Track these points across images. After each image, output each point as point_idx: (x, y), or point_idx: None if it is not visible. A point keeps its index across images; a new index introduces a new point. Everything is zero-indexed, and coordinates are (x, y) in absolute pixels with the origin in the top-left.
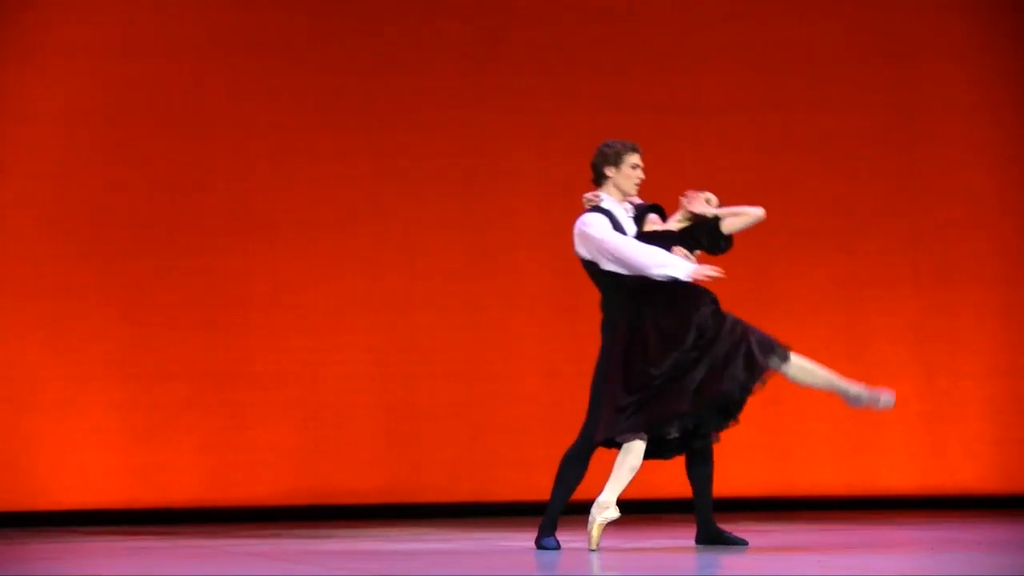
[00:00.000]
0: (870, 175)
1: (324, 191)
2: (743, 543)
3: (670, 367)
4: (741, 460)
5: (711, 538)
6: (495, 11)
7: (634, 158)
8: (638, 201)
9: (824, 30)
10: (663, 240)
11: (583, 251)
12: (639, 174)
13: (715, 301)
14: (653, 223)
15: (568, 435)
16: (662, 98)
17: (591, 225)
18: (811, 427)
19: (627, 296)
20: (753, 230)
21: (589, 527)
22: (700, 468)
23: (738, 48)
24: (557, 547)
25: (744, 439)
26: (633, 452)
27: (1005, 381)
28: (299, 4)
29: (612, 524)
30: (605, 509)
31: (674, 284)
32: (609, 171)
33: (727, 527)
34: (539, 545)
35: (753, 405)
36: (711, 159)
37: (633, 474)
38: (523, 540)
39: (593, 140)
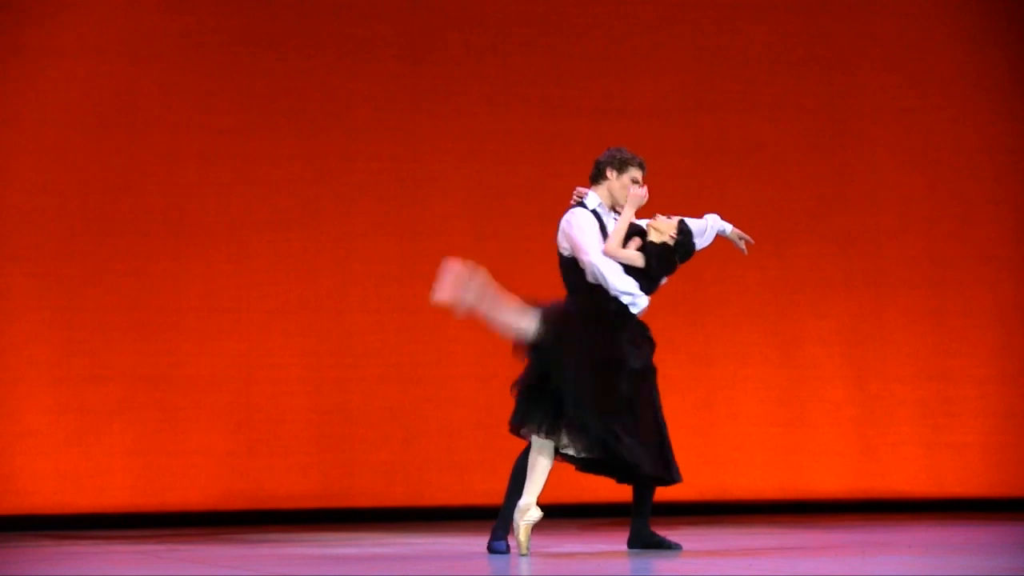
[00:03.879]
0: (801, 179)
1: (257, 194)
2: (677, 547)
3: (598, 389)
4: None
5: (644, 542)
6: (428, 14)
7: (636, 173)
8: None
9: (756, 35)
10: (666, 256)
11: (565, 246)
12: (635, 190)
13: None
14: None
15: (501, 439)
16: (595, 102)
17: (575, 226)
18: (743, 431)
19: (593, 299)
20: None
21: (516, 533)
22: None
23: (671, 52)
24: (507, 551)
25: (676, 443)
26: (544, 451)
27: (935, 385)
28: (231, 7)
29: (542, 527)
30: (526, 512)
31: (629, 316)
32: (611, 173)
33: (661, 531)
34: (490, 549)
35: (685, 409)
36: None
37: (546, 473)
38: (457, 544)
39: (526, 144)
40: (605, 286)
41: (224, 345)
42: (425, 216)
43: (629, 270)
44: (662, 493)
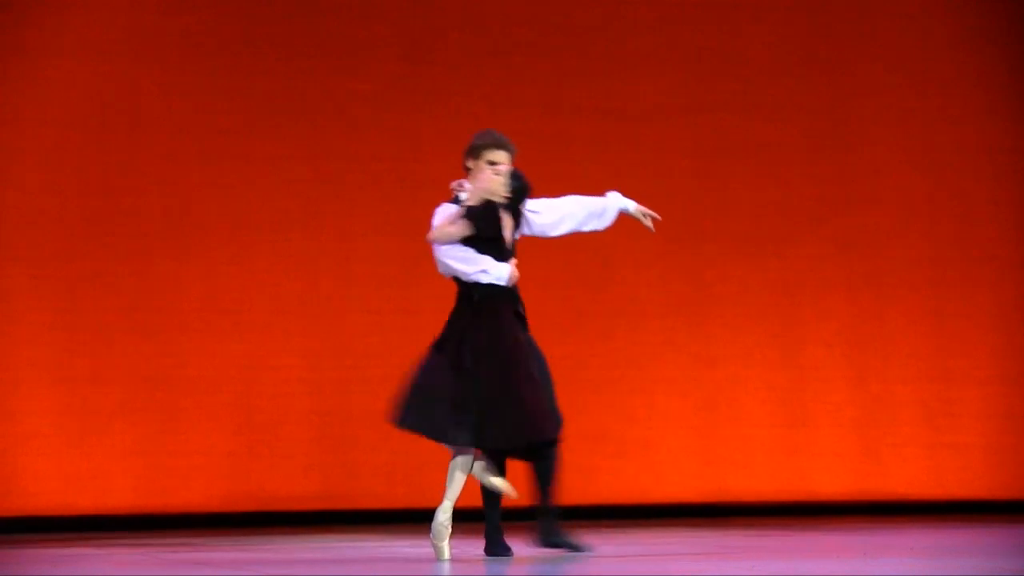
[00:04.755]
0: (802, 180)
1: (258, 195)
2: (586, 549)
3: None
4: (674, 465)
5: (551, 542)
6: (430, 15)
7: (493, 155)
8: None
9: (756, 35)
10: (490, 211)
11: None
12: (497, 171)
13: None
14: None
15: None
16: (596, 103)
17: (435, 215)
18: (744, 432)
19: (461, 293)
20: (687, 235)
21: (436, 537)
22: (536, 468)
23: (672, 53)
24: (509, 552)
25: (677, 444)
26: (461, 456)
27: (937, 386)
28: (233, 7)
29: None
30: (443, 516)
31: (493, 299)
32: (470, 163)
33: (664, 533)
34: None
35: (687, 410)
36: (645, 164)
37: (464, 475)
38: (458, 546)
39: (528, 145)
40: (457, 273)
41: (225, 346)
42: (426, 217)
43: (480, 244)
44: (665, 494)
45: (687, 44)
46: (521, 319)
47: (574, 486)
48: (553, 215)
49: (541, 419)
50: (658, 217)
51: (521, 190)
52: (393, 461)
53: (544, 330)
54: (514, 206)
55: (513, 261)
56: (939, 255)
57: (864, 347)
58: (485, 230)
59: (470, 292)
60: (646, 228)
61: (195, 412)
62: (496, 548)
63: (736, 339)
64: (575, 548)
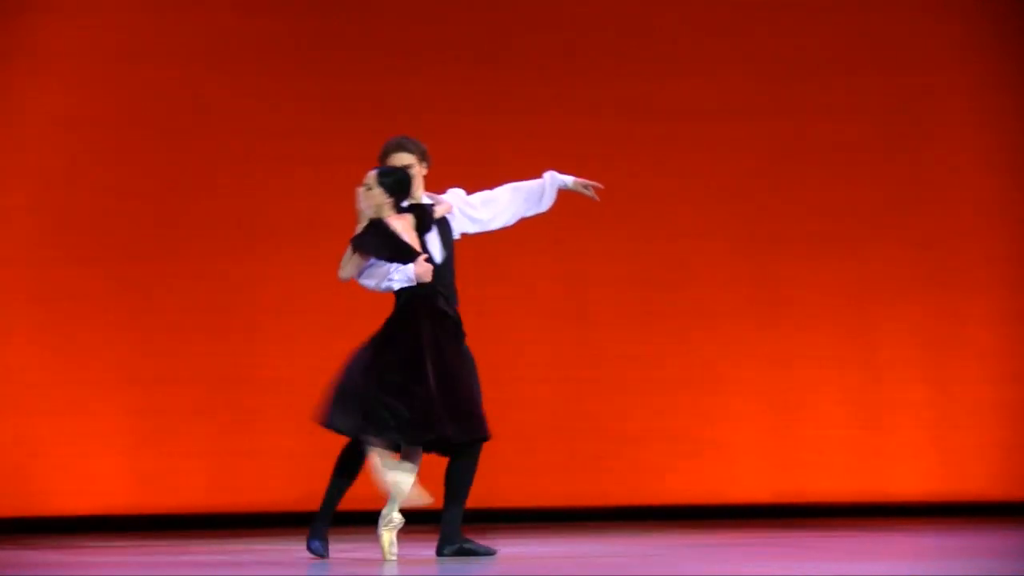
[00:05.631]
0: (876, 180)
1: (331, 195)
2: (493, 552)
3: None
4: (749, 466)
5: (461, 548)
6: (497, 16)
7: (395, 158)
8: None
9: (829, 35)
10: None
11: None
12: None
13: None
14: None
15: (578, 440)
16: (666, 104)
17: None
18: (819, 433)
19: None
20: (760, 236)
21: (381, 539)
22: (456, 474)
23: (742, 54)
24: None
25: (752, 445)
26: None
27: (1015, 386)
28: (304, 9)
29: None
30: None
31: (414, 300)
32: None
33: (738, 534)
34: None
35: (762, 411)
36: (717, 165)
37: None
38: (533, 546)
39: (599, 146)
40: (373, 289)
41: (298, 347)
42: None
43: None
44: (740, 495)
45: (758, 45)
46: (446, 317)
47: (649, 487)
48: (490, 209)
49: (464, 417)
50: (600, 186)
51: (396, 184)
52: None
53: (618, 330)
54: (407, 203)
55: (422, 258)
56: (1014, 254)
57: (939, 347)
58: (381, 249)
59: (397, 299)
60: (590, 199)
61: (268, 412)
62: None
63: (810, 340)
64: (485, 553)
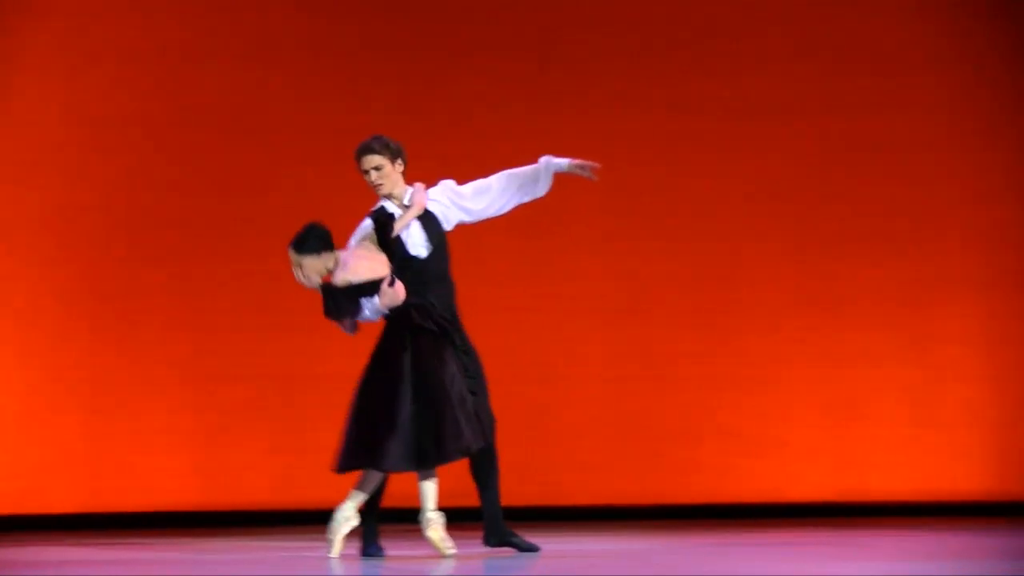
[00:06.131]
0: (936, 177)
1: None
2: (536, 548)
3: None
4: (808, 464)
5: (502, 541)
6: (558, 15)
7: (365, 161)
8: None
9: (888, 31)
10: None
11: None
12: (371, 179)
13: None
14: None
15: (632, 438)
16: (725, 101)
17: (354, 232)
18: (878, 432)
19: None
20: (818, 233)
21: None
22: (476, 469)
23: (802, 50)
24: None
25: (810, 443)
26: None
27: None
28: (357, 9)
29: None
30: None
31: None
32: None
33: (797, 532)
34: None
35: (818, 409)
36: (775, 162)
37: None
38: (585, 544)
39: (652, 144)
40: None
41: (356, 344)
42: (554, 216)
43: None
44: (799, 493)
45: (813, 41)
46: (421, 332)
47: (706, 485)
48: (484, 198)
49: (451, 435)
50: (597, 165)
51: (314, 243)
52: (523, 460)
53: (673, 329)
54: (377, 205)
55: (384, 284)
56: None
57: (1000, 345)
58: (348, 304)
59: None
60: (588, 179)
61: (327, 410)
62: (371, 549)
63: (869, 337)
64: (528, 548)
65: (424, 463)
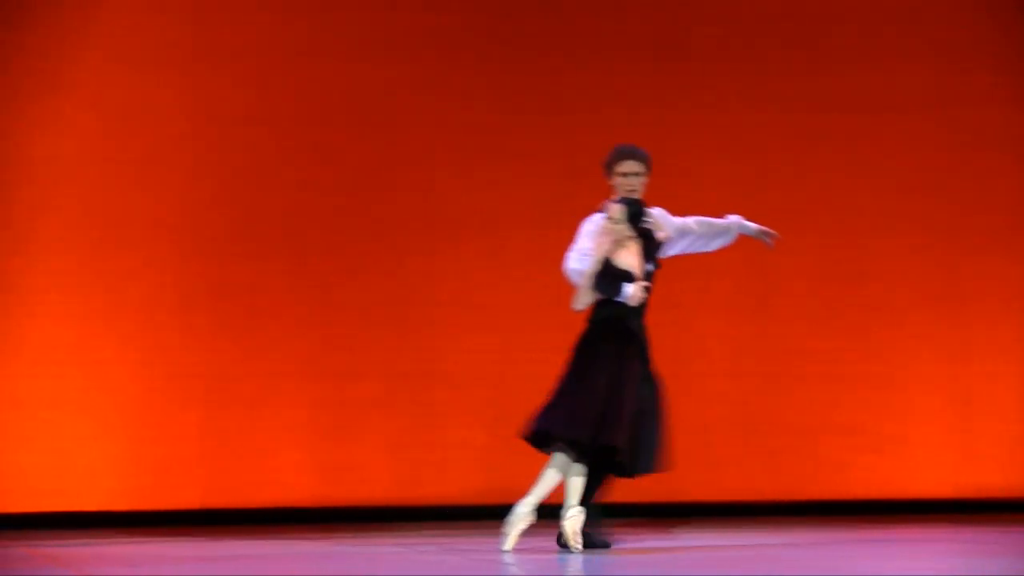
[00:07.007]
0: None
1: (511, 191)
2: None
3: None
4: (931, 461)
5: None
6: (681, 11)
7: (623, 166)
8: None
9: (1014, 26)
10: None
11: None
12: (630, 183)
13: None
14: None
15: (757, 434)
16: (849, 97)
17: (581, 227)
18: (1002, 428)
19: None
20: (943, 229)
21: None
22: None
23: (926, 45)
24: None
25: (934, 439)
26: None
27: None
28: (484, 4)
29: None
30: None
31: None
32: (608, 178)
33: (920, 529)
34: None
35: (943, 405)
36: (900, 158)
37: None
38: (707, 539)
39: (780, 140)
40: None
41: (479, 340)
42: (677, 210)
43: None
44: (921, 490)
45: (940, 35)
46: (632, 339)
47: (828, 481)
48: (685, 239)
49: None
50: (777, 235)
51: (637, 217)
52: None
53: (798, 325)
54: (642, 228)
55: (640, 284)
56: None
57: None
58: (614, 283)
59: (593, 309)
60: (766, 246)
61: (450, 406)
62: (594, 540)
63: (994, 333)
64: (600, 545)
65: (634, 470)
